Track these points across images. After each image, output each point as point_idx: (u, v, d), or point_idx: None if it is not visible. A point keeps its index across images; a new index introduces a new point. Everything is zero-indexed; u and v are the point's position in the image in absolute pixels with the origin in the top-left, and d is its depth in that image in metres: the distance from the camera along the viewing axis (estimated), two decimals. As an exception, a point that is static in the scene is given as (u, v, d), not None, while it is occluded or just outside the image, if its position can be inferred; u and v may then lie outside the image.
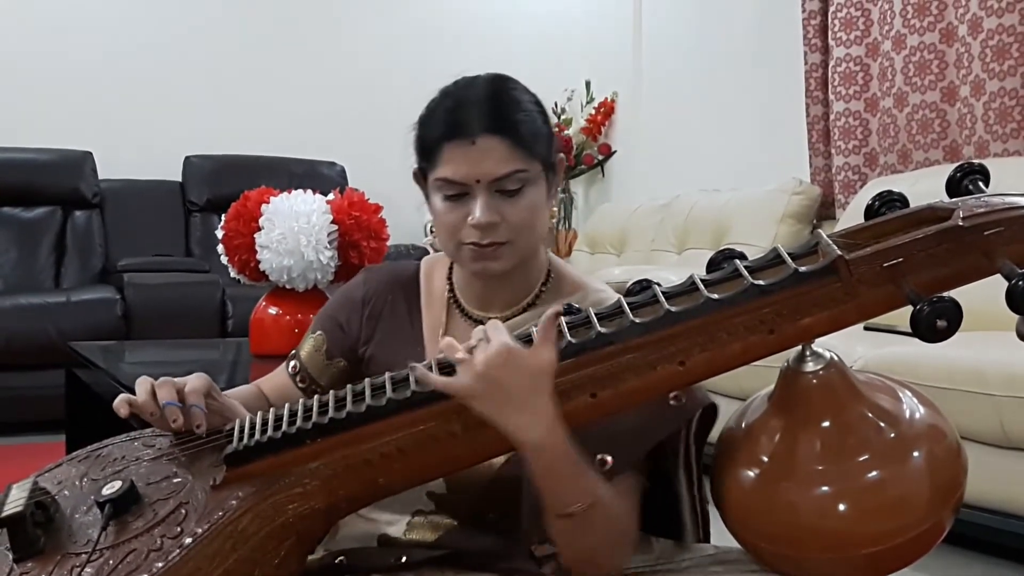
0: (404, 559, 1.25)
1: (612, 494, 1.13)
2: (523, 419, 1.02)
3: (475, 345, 1.03)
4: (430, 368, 1.07)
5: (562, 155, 1.36)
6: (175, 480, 1.10)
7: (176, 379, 1.19)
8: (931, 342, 0.95)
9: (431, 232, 5.74)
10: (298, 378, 1.42)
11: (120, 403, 1.17)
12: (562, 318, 1.07)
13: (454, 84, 1.30)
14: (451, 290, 1.39)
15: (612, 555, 1.16)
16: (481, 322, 1.33)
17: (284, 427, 1.09)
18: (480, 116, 1.23)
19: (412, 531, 1.28)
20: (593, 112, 5.77)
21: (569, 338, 1.05)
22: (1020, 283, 0.91)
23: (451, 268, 1.41)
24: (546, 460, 1.05)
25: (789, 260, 1.03)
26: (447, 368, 1.07)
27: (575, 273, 1.42)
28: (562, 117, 5.73)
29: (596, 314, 1.06)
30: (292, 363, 1.44)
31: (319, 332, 1.43)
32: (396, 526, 1.29)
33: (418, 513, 1.29)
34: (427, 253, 5.51)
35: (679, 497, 1.26)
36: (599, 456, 1.18)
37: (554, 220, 1.40)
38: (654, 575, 1.22)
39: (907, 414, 1.08)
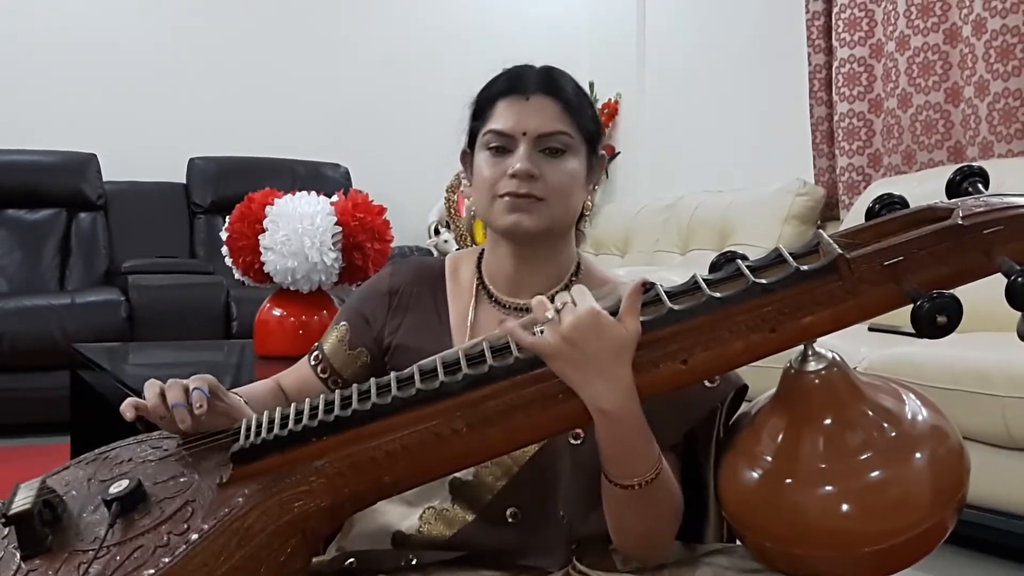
0: (415, 561, 1.26)
1: (669, 471, 1.14)
2: (602, 386, 1.03)
3: (561, 308, 1.04)
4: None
5: (603, 153, 1.40)
6: (182, 479, 1.11)
7: (183, 381, 1.19)
8: (932, 338, 0.96)
9: (435, 233, 5.75)
10: (319, 368, 1.42)
11: (127, 406, 1.18)
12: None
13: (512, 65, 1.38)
14: (479, 278, 1.41)
15: (663, 535, 1.18)
16: (510, 308, 1.36)
17: (290, 425, 1.09)
18: (536, 79, 1.31)
19: (425, 526, 1.29)
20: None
21: None
22: (1019, 279, 0.92)
23: (479, 259, 1.43)
24: (620, 429, 1.06)
25: (790, 259, 1.03)
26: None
27: (602, 268, 1.45)
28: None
29: (605, 309, 1.06)
30: (315, 354, 1.44)
31: (343, 323, 1.43)
32: (409, 520, 1.30)
33: (431, 507, 1.29)
34: (431, 255, 5.53)
35: (706, 485, 1.27)
36: None
37: (588, 216, 1.42)
38: (662, 571, 1.23)
39: (910, 414, 1.08)
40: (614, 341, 1.02)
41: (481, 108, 1.34)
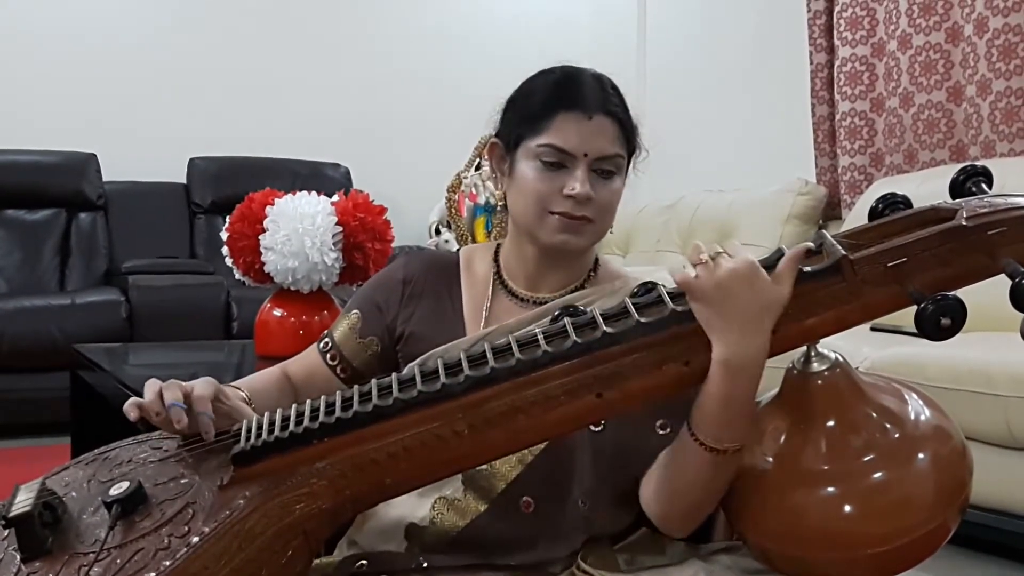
0: (425, 564, 1.25)
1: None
2: (739, 338, 1.02)
3: (716, 255, 1.03)
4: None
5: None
6: (182, 481, 1.10)
7: (184, 383, 1.19)
8: (936, 340, 0.96)
9: (436, 233, 5.74)
10: (329, 356, 1.42)
11: (130, 406, 1.18)
12: (567, 319, 1.08)
13: (552, 68, 1.36)
14: (497, 272, 1.41)
15: (705, 510, 1.17)
16: (527, 301, 1.36)
17: (291, 427, 1.09)
18: (597, 95, 1.30)
19: (438, 516, 1.29)
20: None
21: (575, 338, 1.05)
22: (1023, 281, 0.91)
23: (496, 253, 1.43)
24: (737, 387, 1.04)
25: (794, 260, 1.03)
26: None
27: (617, 264, 1.47)
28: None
29: (601, 314, 1.06)
30: (324, 342, 1.44)
31: (355, 312, 1.43)
32: (421, 510, 1.29)
33: (442, 497, 1.29)
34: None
35: None
36: (659, 421, 1.22)
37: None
38: (666, 570, 1.23)
39: (912, 415, 1.08)
40: (766, 297, 1.01)
41: (533, 115, 1.31)
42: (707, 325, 1.03)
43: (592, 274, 1.39)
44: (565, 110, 1.28)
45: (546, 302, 1.35)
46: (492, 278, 1.41)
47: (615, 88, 1.34)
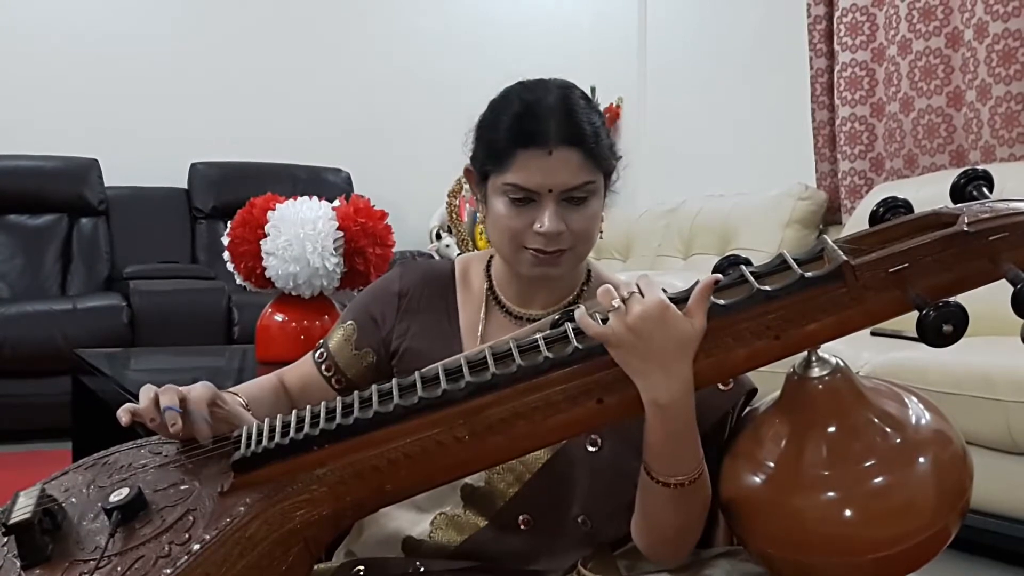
0: (423, 569, 1.25)
1: (707, 471, 1.14)
2: (662, 378, 1.02)
3: (628, 297, 1.03)
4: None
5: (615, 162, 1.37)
6: (182, 487, 1.10)
7: (180, 387, 1.19)
8: (938, 347, 0.96)
9: (437, 238, 5.75)
10: (324, 366, 1.41)
11: (122, 411, 1.17)
12: (568, 324, 1.08)
13: (521, 86, 1.31)
14: (490, 287, 1.40)
15: (693, 536, 1.17)
16: (521, 318, 1.36)
17: (292, 433, 1.09)
18: (557, 127, 1.23)
19: (436, 531, 1.28)
20: (598, 118, 5.76)
21: (576, 344, 1.05)
22: (1026, 287, 0.91)
23: (488, 265, 1.42)
24: (673, 423, 1.05)
25: (795, 266, 1.03)
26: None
27: (612, 274, 1.45)
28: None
29: (603, 320, 1.06)
30: (319, 352, 1.42)
31: (350, 322, 1.41)
32: (420, 526, 1.29)
33: (443, 513, 1.29)
34: (432, 259, 5.51)
35: (717, 492, 1.27)
36: None
37: (602, 221, 1.42)
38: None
39: (913, 419, 1.08)
40: (680, 334, 1.01)
41: (497, 152, 1.26)
42: (628, 369, 1.03)
43: (584, 288, 1.38)
44: (524, 147, 1.23)
45: (538, 319, 1.33)
46: (486, 294, 1.40)
47: (585, 102, 1.28)
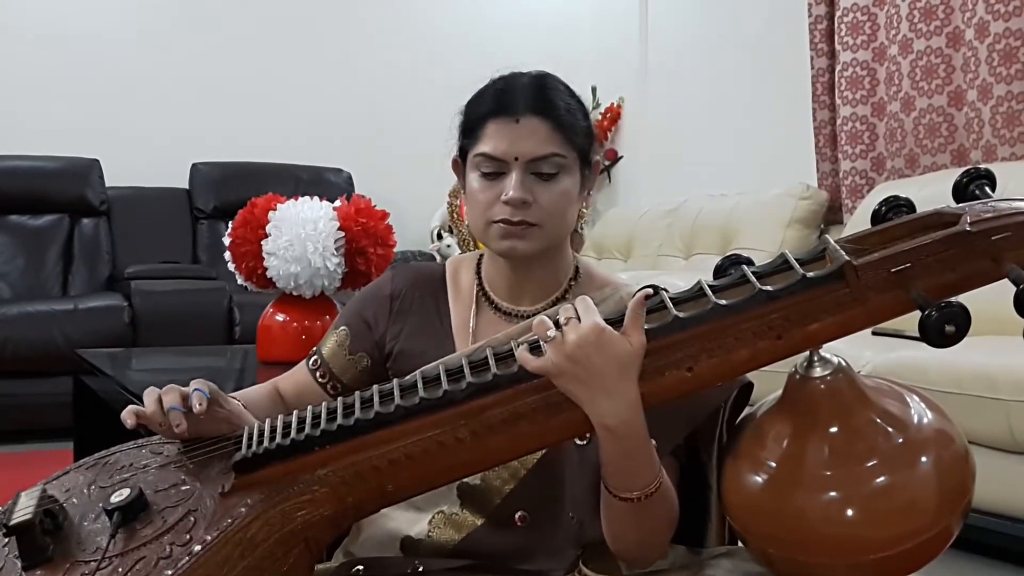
0: (421, 568, 1.25)
1: (669, 482, 1.14)
2: (607, 402, 1.03)
3: (565, 323, 1.03)
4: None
5: (598, 158, 1.38)
6: (183, 487, 1.10)
7: (182, 388, 1.19)
8: (940, 347, 0.95)
9: (438, 238, 5.74)
10: (318, 373, 1.41)
11: (127, 414, 1.17)
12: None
13: (502, 74, 1.34)
14: (480, 284, 1.40)
15: (659, 544, 1.18)
16: (511, 315, 1.36)
17: (293, 434, 1.09)
18: (525, 98, 1.27)
19: (435, 530, 1.29)
20: (599, 117, 5.77)
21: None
22: (1028, 287, 0.91)
23: (479, 264, 1.42)
24: (624, 443, 1.06)
25: (797, 266, 1.03)
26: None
27: (602, 271, 1.45)
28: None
29: (606, 320, 1.06)
30: (313, 359, 1.43)
31: (343, 328, 1.42)
32: (419, 525, 1.29)
33: (440, 512, 1.29)
34: (434, 259, 5.52)
35: (709, 486, 1.27)
36: None
37: (584, 221, 1.41)
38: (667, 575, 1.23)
39: (915, 419, 1.08)
40: (619, 357, 1.02)
41: (470, 126, 1.31)
42: (573, 396, 1.04)
43: (573, 283, 1.37)
44: (493, 117, 1.27)
45: (528, 315, 1.34)
46: (476, 291, 1.40)
47: (563, 87, 1.31)
